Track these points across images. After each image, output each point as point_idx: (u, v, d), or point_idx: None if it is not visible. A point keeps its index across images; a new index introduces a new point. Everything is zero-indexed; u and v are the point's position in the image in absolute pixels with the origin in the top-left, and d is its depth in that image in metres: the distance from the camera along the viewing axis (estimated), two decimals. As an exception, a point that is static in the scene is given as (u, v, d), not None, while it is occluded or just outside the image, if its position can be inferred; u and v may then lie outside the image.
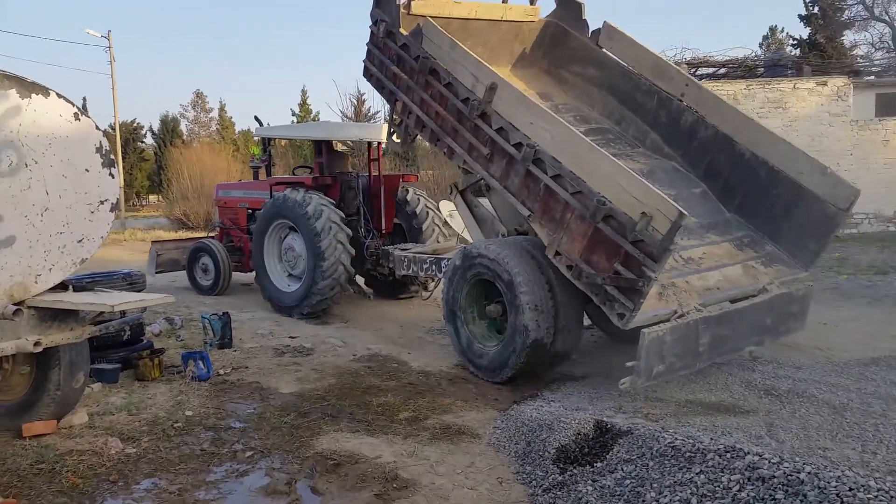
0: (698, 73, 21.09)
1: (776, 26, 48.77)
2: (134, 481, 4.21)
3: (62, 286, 4.58)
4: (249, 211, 10.97)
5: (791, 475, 3.11)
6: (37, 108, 4.23)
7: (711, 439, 3.71)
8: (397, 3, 7.21)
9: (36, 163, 4.22)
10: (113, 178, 4.74)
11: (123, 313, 4.72)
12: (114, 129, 36.90)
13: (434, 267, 8.08)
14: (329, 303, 9.15)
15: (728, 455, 3.44)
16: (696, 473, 3.41)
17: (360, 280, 10.05)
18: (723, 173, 6.84)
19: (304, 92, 54.57)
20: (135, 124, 53.35)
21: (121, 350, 6.67)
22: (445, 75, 6.54)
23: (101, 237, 4.67)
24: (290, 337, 8.14)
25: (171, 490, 4.09)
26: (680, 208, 4.77)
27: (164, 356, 6.63)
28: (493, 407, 5.56)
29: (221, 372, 6.53)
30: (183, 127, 55.11)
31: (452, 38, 6.63)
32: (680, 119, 7.13)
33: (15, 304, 4.05)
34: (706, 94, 7.08)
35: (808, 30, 29.10)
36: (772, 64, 22.56)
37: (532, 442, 4.54)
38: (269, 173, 11.45)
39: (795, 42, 29.95)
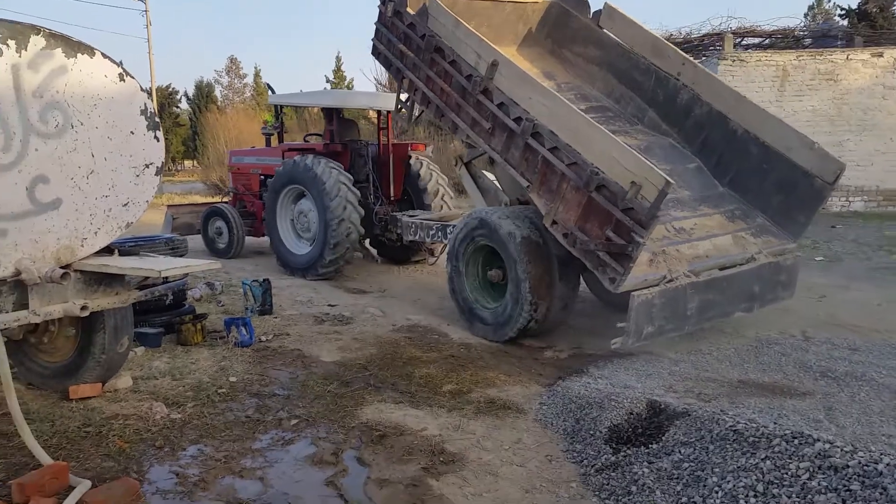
0: (744, 42, 20.44)
1: (822, -5, 47.07)
2: (180, 447, 4.19)
3: (108, 250, 4.53)
4: (262, 177, 11.20)
5: (868, 466, 2.95)
6: (82, 69, 4.14)
7: (776, 424, 3.55)
8: None
9: (82, 124, 4.15)
10: (158, 140, 4.65)
11: (167, 278, 4.66)
12: (150, 93, 37.01)
13: (440, 233, 8.42)
14: (341, 264, 9.42)
15: (796, 441, 3.28)
16: (762, 459, 3.26)
17: (368, 244, 10.42)
18: (717, 149, 7.03)
19: (338, 59, 54.24)
20: (170, 89, 53.65)
21: (163, 314, 6.68)
22: (450, 53, 6.73)
23: (147, 201, 4.61)
24: (329, 305, 8.11)
25: (217, 457, 4.06)
26: (666, 177, 4.97)
27: (206, 321, 6.62)
28: (537, 382, 5.44)
29: (263, 338, 6.51)
30: (217, 93, 55.32)
31: (457, 17, 6.79)
32: (676, 97, 7.33)
33: (62, 268, 4.01)
34: (701, 73, 7.26)
35: (857, -1, 27.94)
36: (821, 34, 21.76)
37: (581, 420, 4.41)
38: (280, 140, 11.67)
39: (843, 12, 28.74)
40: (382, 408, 4.84)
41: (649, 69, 7.53)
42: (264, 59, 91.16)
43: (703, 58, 20.45)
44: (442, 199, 10.31)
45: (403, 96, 8.03)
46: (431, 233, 8.64)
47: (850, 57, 15.78)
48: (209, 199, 15.78)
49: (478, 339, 6.63)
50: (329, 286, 9.30)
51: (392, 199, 10.40)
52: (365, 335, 6.72)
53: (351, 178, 9.39)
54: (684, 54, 7.45)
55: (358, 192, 9.38)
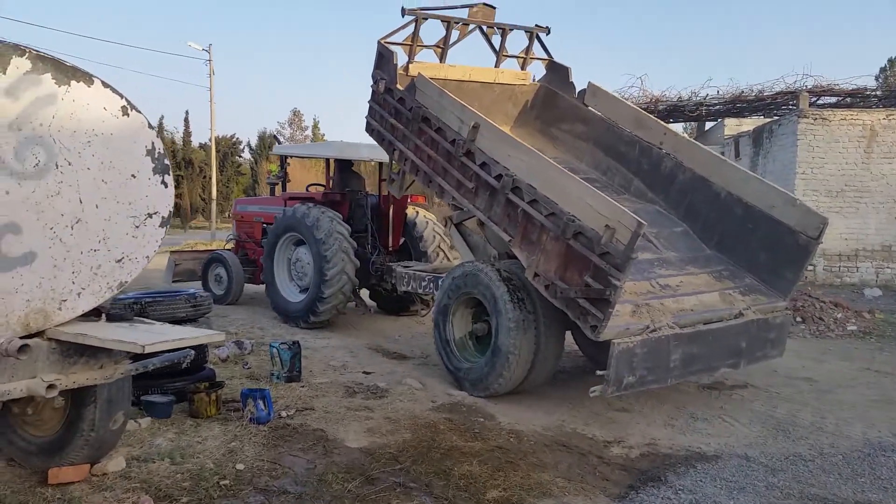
0: (819, 102, 19.35)
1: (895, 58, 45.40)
2: (157, 565, 3.37)
3: (96, 313, 3.83)
4: (264, 225, 11.26)
5: None
6: (76, 98, 3.51)
7: None
8: (395, 63, 7.85)
9: (69, 164, 3.50)
10: (166, 186, 3.99)
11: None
12: (211, 142, 37.65)
13: (431, 284, 8.38)
14: (334, 313, 9.39)
15: None
16: None
17: (364, 294, 10.47)
18: (702, 212, 7.14)
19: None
20: (234, 139, 54.91)
21: (178, 380, 5.96)
22: (436, 121, 7.10)
23: (147, 257, 3.92)
24: (364, 373, 7.30)
25: (199, 583, 3.22)
26: (639, 219, 5.06)
27: (222, 391, 5.87)
28: (603, 492, 4.45)
29: (284, 414, 5.71)
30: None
31: (441, 88, 7.23)
32: (660, 165, 7.57)
33: (26, 336, 3.30)
34: (682, 141, 7.58)
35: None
36: (905, 94, 20.46)
37: (666, 559, 3.43)
38: (284, 189, 11.77)
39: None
40: (412, 520, 3.95)
41: (633, 140, 7.83)
42: (327, 112, 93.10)
43: (776, 116, 19.44)
44: (440, 250, 10.34)
45: (395, 168, 8.38)
46: (423, 284, 8.59)
47: (947, 117, 14.49)
48: (211, 247, 15.92)
49: (530, 426, 5.69)
50: (367, 349, 8.52)
51: (390, 249, 10.37)
52: (399, 414, 5.85)
53: (348, 227, 9.39)
54: (665, 124, 7.80)
55: (354, 243, 9.35)
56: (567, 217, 5.56)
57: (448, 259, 10.24)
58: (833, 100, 19.64)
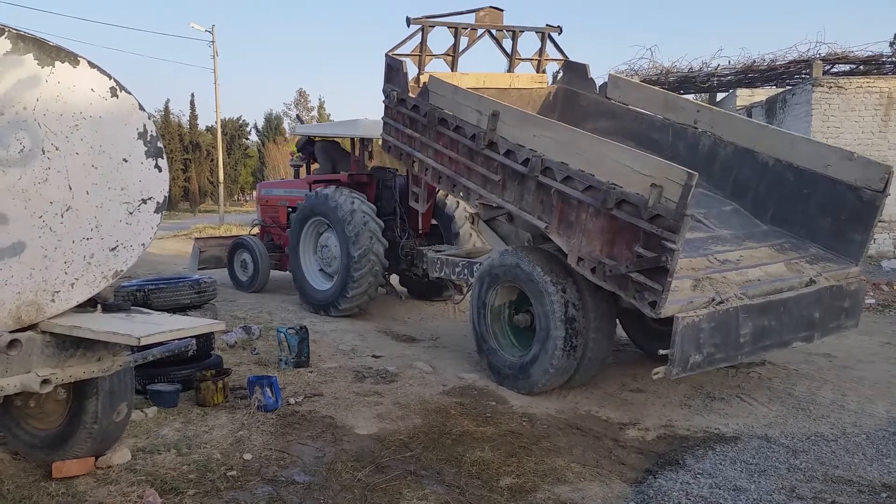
0: (833, 70, 18.93)
1: (911, 23, 44.45)
2: (161, 561, 3.27)
3: (92, 303, 3.70)
4: (290, 209, 10.94)
5: None
6: (61, 80, 3.35)
7: None
8: (405, 72, 7.59)
9: (56, 149, 3.35)
10: (160, 171, 3.84)
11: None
12: (217, 124, 37.44)
13: (466, 270, 7.98)
14: (364, 300, 9.04)
15: None
16: None
17: (394, 280, 10.11)
18: (750, 186, 6.68)
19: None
20: (240, 121, 54.72)
21: (184, 367, 5.87)
22: (453, 120, 6.82)
23: (143, 244, 3.78)
24: (374, 356, 7.19)
25: (203, 580, 3.12)
26: (688, 170, 4.60)
27: (229, 378, 5.77)
28: (620, 476, 4.33)
29: (292, 401, 5.60)
30: (286, 125, 56.25)
31: (453, 84, 6.96)
32: (698, 145, 7.18)
33: (19, 330, 3.18)
34: (718, 115, 7.22)
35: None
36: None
37: (687, 548, 3.30)
38: (308, 171, 11.36)
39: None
40: (423, 510, 3.83)
41: (664, 125, 7.48)
42: (332, 91, 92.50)
43: (789, 86, 19.03)
44: (471, 233, 9.81)
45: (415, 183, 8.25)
46: (457, 270, 8.15)
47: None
48: (237, 233, 15.74)
49: (543, 409, 5.56)
50: (376, 332, 8.40)
51: (420, 232, 9.85)
52: (409, 399, 5.73)
53: (372, 206, 9.08)
54: (696, 102, 7.54)
55: (382, 224, 9.03)
56: (606, 186, 5.11)
57: (482, 242, 9.74)
58: (847, 68, 19.23)
